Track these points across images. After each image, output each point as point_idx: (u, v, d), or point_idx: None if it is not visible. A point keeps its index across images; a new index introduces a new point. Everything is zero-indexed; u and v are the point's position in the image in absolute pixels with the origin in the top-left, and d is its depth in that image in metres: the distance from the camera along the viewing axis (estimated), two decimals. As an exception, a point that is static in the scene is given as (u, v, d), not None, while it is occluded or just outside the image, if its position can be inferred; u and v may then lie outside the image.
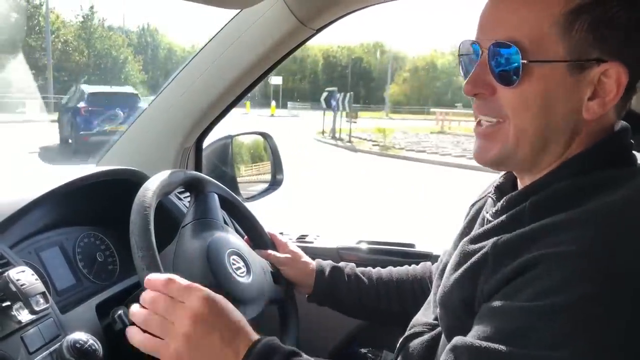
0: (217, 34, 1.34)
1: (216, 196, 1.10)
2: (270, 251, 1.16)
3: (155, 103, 1.44)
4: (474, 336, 0.62)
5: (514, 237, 0.65)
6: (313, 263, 1.15)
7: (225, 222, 1.11)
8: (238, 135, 1.59)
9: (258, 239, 1.20)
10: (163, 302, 0.75)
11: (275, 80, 36.41)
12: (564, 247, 0.59)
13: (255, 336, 0.75)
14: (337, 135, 19.05)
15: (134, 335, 0.76)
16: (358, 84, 57.97)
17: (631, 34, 0.65)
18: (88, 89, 13.98)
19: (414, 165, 13.19)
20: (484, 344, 0.60)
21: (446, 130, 25.03)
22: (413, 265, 1.17)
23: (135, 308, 0.77)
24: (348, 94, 17.74)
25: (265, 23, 1.26)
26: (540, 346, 0.56)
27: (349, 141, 18.06)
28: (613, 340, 0.55)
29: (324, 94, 18.68)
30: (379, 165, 12.93)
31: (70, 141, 13.53)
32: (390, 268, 1.17)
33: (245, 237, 1.19)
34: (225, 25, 1.32)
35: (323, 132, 20.67)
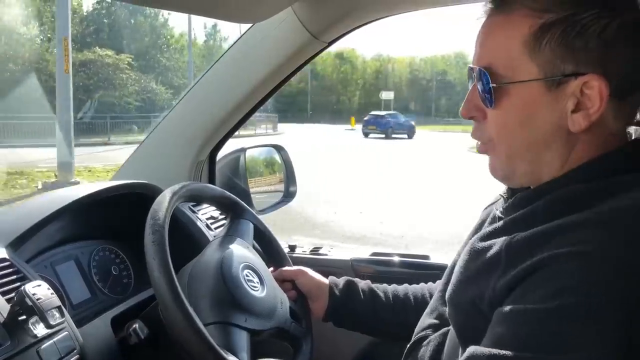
0: (230, 48, 1.36)
1: (252, 225, 1.13)
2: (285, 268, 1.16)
3: (169, 117, 1.45)
4: (488, 344, 0.62)
5: (527, 235, 0.65)
6: (326, 279, 1.15)
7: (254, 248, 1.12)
8: (251, 147, 1.60)
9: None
10: None
11: (387, 95, 36.21)
12: (578, 247, 0.58)
13: None
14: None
15: None
16: (442, 97, 57.27)
17: (608, 43, 0.64)
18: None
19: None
20: (499, 351, 0.59)
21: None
22: (429, 283, 1.16)
23: None
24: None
25: (277, 37, 1.27)
26: (553, 349, 0.56)
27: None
28: (627, 343, 0.54)
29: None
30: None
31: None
32: (405, 284, 1.16)
33: (272, 268, 1.17)
34: (238, 39, 1.34)
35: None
